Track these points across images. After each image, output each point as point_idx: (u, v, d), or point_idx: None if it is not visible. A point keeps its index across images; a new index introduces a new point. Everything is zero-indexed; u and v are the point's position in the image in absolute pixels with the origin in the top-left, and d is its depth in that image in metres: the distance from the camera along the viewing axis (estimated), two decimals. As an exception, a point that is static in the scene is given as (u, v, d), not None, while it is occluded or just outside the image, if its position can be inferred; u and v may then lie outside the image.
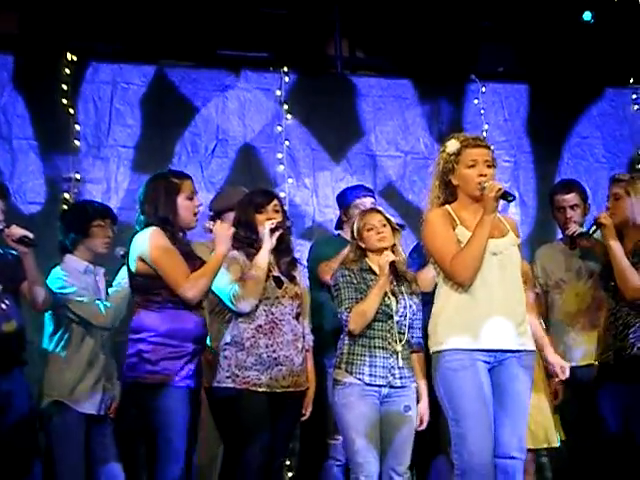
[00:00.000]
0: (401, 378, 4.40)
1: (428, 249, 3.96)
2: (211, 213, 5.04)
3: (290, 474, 5.71)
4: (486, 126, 6.65)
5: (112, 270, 4.91)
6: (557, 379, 4.53)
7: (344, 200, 5.40)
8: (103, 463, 4.79)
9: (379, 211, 4.61)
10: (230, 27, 6.31)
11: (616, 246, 4.59)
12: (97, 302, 4.74)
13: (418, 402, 4.47)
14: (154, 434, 4.02)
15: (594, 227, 4.74)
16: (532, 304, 4.76)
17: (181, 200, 4.17)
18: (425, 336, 4.15)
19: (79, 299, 4.71)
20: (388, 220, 4.54)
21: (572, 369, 5.01)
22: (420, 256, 4.95)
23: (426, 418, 4.47)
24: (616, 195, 4.72)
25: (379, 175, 6.49)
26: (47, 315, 4.78)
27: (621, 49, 6.57)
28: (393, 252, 4.47)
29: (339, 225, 5.46)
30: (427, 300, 4.52)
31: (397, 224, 4.61)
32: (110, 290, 4.83)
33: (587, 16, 6.54)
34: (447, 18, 6.50)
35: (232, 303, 4.36)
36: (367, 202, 5.24)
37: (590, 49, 6.59)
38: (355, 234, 4.56)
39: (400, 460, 4.38)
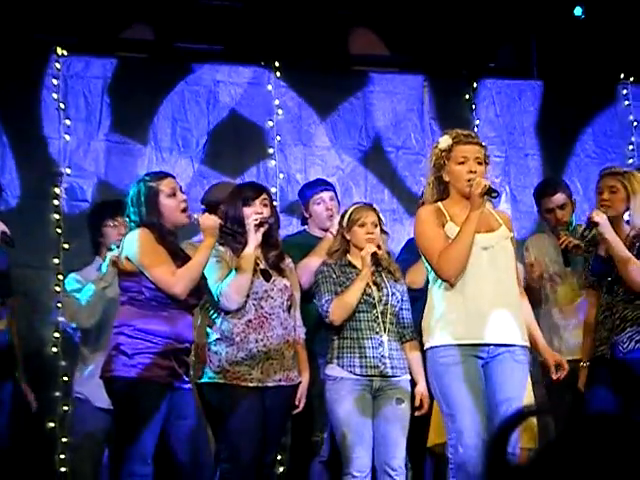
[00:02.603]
0: (392, 368, 4.42)
1: (418, 246, 3.99)
2: (203, 207, 5.04)
3: (281, 469, 5.72)
4: (477, 121, 6.65)
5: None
6: (554, 376, 4.19)
7: (303, 196, 5.37)
8: None
9: (374, 210, 4.61)
10: (224, 24, 6.31)
11: (616, 240, 4.50)
12: (80, 303, 4.81)
13: (414, 388, 4.47)
14: (123, 429, 4.03)
15: (588, 229, 4.65)
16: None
17: (162, 200, 4.18)
18: (419, 332, 4.16)
19: (65, 301, 4.83)
20: (380, 221, 4.56)
21: (567, 362, 5.01)
22: (412, 252, 4.97)
23: (426, 400, 4.42)
24: (612, 188, 4.65)
25: (370, 170, 6.48)
26: None
27: (611, 44, 6.58)
28: (377, 252, 4.48)
29: (304, 221, 5.45)
30: (417, 296, 4.53)
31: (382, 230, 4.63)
32: (85, 288, 4.85)
33: (578, 11, 6.55)
34: (441, 12, 6.49)
35: (219, 300, 4.36)
36: (326, 196, 5.23)
37: (581, 44, 6.60)
38: (345, 224, 4.57)
39: (394, 454, 4.38)
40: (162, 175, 4.33)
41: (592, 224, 4.56)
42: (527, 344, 3.92)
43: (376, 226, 4.54)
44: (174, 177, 4.35)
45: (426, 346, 3.90)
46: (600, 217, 4.53)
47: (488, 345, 3.80)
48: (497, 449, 1.71)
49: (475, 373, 3.78)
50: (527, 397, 4.52)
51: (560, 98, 6.77)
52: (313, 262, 4.82)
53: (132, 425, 3.98)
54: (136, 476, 3.97)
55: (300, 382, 4.52)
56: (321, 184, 5.37)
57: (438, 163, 3.93)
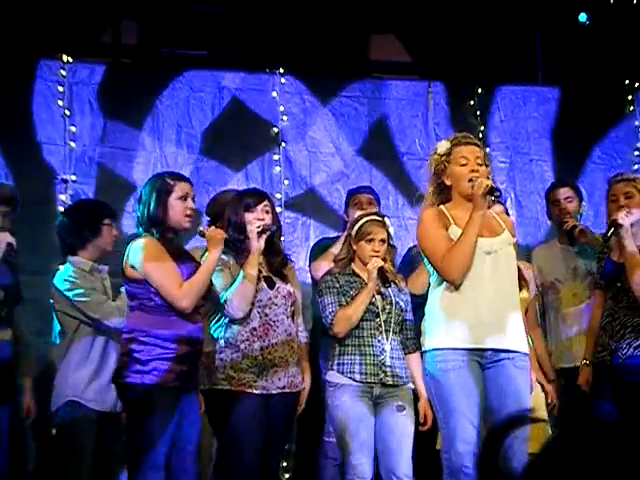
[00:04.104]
0: (393, 376, 4.40)
1: (421, 249, 3.97)
2: (208, 218, 5.05)
3: (287, 475, 5.71)
4: (482, 127, 6.65)
5: (117, 269, 4.88)
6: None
7: (345, 200, 5.47)
8: (120, 464, 4.82)
9: (384, 225, 4.57)
10: (230, 30, 6.33)
11: (632, 245, 4.48)
12: (110, 302, 4.75)
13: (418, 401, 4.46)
14: (137, 437, 4.03)
15: (612, 229, 4.55)
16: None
17: (172, 200, 4.20)
18: (419, 335, 4.15)
19: (87, 299, 4.71)
20: (389, 235, 4.55)
21: (571, 369, 5.01)
22: (411, 262, 4.99)
23: (429, 415, 4.39)
24: (628, 194, 4.65)
25: (375, 176, 6.49)
26: (55, 315, 4.78)
27: (616, 50, 6.58)
28: (383, 267, 4.46)
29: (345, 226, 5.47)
30: (418, 303, 4.53)
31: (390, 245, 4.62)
32: (122, 289, 4.79)
33: (582, 17, 6.55)
34: (447, 20, 6.51)
35: (225, 309, 4.36)
36: (363, 199, 5.27)
37: (587, 51, 6.61)
38: (353, 234, 4.56)
39: (398, 462, 4.35)
40: (180, 177, 4.36)
41: (616, 225, 4.51)
42: (526, 350, 3.88)
43: (384, 242, 4.53)
44: (192, 184, 4.36)
45: (424, 348, 3.88)
46: (624, 220, 4.51)
47: (487, 350, 3.78)
48: (488, 457, 1.68)
49: (474, 378, 3.75)
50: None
51: (566, 105, 6.76)
52: (324, 266, 4.89)
53: (147, 433, 3.98)
54: None
55: (304, 388, 4.52)
56: (363, 188, 5.44)
57: (438, 168, 3.92)
